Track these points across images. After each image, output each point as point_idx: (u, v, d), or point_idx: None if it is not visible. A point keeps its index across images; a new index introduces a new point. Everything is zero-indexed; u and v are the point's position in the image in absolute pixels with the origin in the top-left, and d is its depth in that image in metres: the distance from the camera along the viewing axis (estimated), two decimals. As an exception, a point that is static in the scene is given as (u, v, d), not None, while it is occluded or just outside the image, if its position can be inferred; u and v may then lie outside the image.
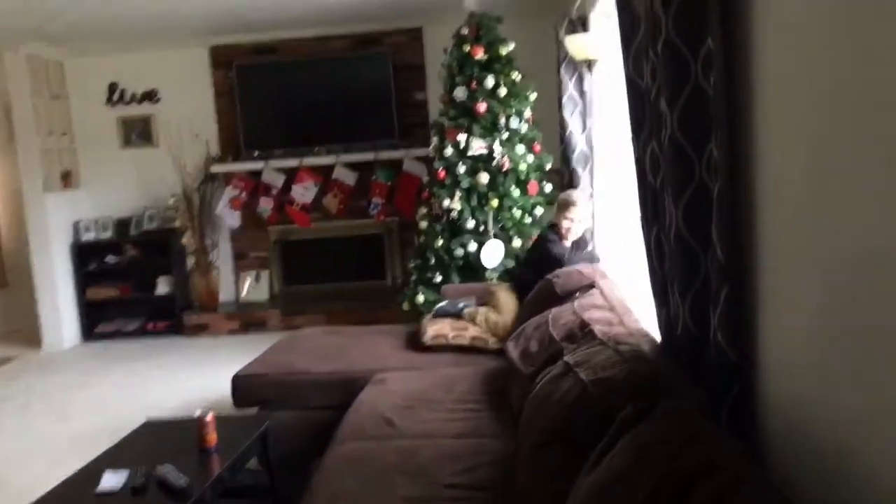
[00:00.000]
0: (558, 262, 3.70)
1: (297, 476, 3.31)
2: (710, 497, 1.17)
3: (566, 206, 3.88)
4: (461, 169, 4.64)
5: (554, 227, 3.92)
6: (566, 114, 4.86)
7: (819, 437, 1.47)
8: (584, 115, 4.80)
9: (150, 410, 4.30)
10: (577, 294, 3.21)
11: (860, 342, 1.29)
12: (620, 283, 3.51)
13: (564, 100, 4.86)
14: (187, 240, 6.53)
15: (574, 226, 3.86)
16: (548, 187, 4.82)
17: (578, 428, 1.86)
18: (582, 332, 2.52)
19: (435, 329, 3.79)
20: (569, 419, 1.91)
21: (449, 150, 4.70)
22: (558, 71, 4.95)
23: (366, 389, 3.21)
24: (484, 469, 2.30)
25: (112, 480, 2.45)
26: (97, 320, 6.59)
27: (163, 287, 6.56)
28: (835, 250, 1.36)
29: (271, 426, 3.05)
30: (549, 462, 1.90)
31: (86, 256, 6.55)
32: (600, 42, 4.14)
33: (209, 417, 2.73)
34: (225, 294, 6.73)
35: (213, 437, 2.73)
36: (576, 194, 3.92)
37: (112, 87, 6.66)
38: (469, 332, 3.76)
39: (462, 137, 4.66)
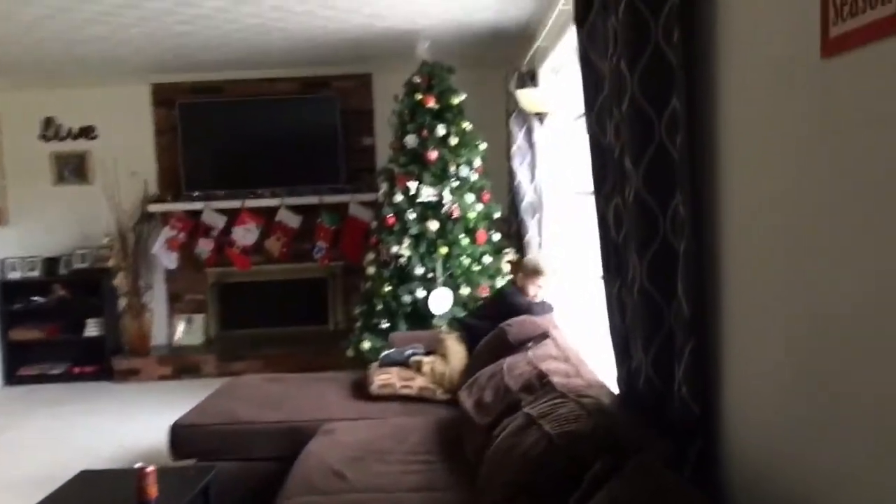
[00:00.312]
0: (525, 312, 3.68)
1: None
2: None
3: (536, 274, 3.86)
4: (411, 215, 4.63)
5: (514, 285, 3.92)
6: (515, 164, 4.94)
7: (784, 491, 1.49)
8: (532, 166, 4.89)
9: (79, 459, 4.07)
10: (531, 344, 3.21)
11: (823, 399, 1.32)
12: (572, 333, 3.54)
13: (514, 150, 4.95)
14: (120, 280, 6.29)
15: (541, 292, 3.86)
16: (496, 236, 4.85)
17: (544, 482, 1.84)
18: (540, 383, 2.51)
19: (382, 378, 3.73)
20: (534, 472, 1.88)
21: (399, 197, 4.70)
22: (507, 122, 5.05)
23: (314, 440, 3.11)
24: (441, 524, 2.25)
25: (44, 538, 2.30)
26: (21, 362, 6.26)
27: (92, 329, 6.29)
28: (797, 310, 1.40)
29: (212, 479, 2.92)
30: (513, 518, 1.87)
31: (11, 296, 6.25)
32: (552, 96, 4.24)
33: (149, 469, 2.60)
34: (158, 338, 6.50)
35: (153, 490, 2.59)
36: (545, 264, 3.91)
37: (47, 122, 6.45)
38: (417, 383, 3.71)
39: (412, 184, 4.67)
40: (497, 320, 3.63)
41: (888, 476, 1.13)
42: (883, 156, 1.09)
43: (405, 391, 3.64)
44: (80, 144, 6.47)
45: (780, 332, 1.48)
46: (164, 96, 6.41)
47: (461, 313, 4.54)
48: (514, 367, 2.89)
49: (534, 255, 4.02)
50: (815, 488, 1.35)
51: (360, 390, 3.77)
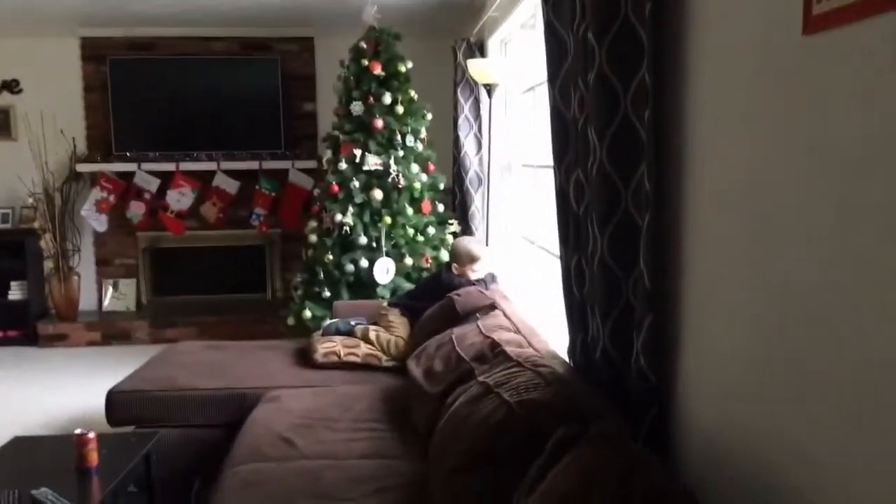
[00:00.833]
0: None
1: (176, 499, 3.13)
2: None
3: (472, 260, 3.83)
4: (355, 184, 4.58)
5: (450, 268, 3.90)
6: (461, 134, 4.93)
7: (737, 458, 1.54)
8: (479, 137, 4.89)
9: (5, 427, 3.91)
10: (478, 314, 3.23)
11: (780, 369, 1.37)
12: (518, 303, 3.57)
13: (460, 121, 4.94)
14: (45, 242, 6.03)
15: (476, 275, 3.84)
16: (441, 207, 4.84)
17: (504, 449, 1.86)
18: (493, 353, 2.53)
19: (326, 346, 3.69)
20: (494, 440, 1.90)
21: (343, 165, 4.63)
22: (454, 92, 5.03)
23: (259, 407, 3.07)
24: (394, 491, 2.26)
25: (-22, 507, 2.21)
26: (-63, 326, 5.97)
27: (16, 292, 6.03)
28: (758, 282, 1.44)
29: (154, 445, 2.86)
30: (471, 484, 1.89)
31: (-74, 257, 5.93)
32: (501, 68, 4.23)
33: (91, 435, 2.52)
34: (86, 303, 6.27)
35: (94, 456, 2.52)
36: (479, 249, 3.88)
37: (-34, 74, 6.10)
38: (361, 350, 3.69)
39: (357, 152, 4.61)
40: (437, 300, 3.62)
41: (845, 444, 1.19)
42: (860, 133, 1.13)
43: (350, 358, 3.61)
44: (4, 98, 6.14)
45: (740, 303, 1.53)
46: (93, 51, 6.14)
47: (404, 283, 4.53)
48: (465, 336, 2.90)
49: (463, 241, 3.96)
50: (770, 457, 1.40)
51: (304, 358, 3.73)
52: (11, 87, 6.14)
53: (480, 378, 2.31)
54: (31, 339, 5.97)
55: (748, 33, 1.47)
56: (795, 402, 1.34)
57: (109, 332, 6.02)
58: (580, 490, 1.36)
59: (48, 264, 6.16)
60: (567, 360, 2.41)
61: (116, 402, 3.28)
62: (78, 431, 2.53)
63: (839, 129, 1.18)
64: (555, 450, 1.60)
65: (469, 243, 3.90)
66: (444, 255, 4.57)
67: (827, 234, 1.23)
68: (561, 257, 2.31)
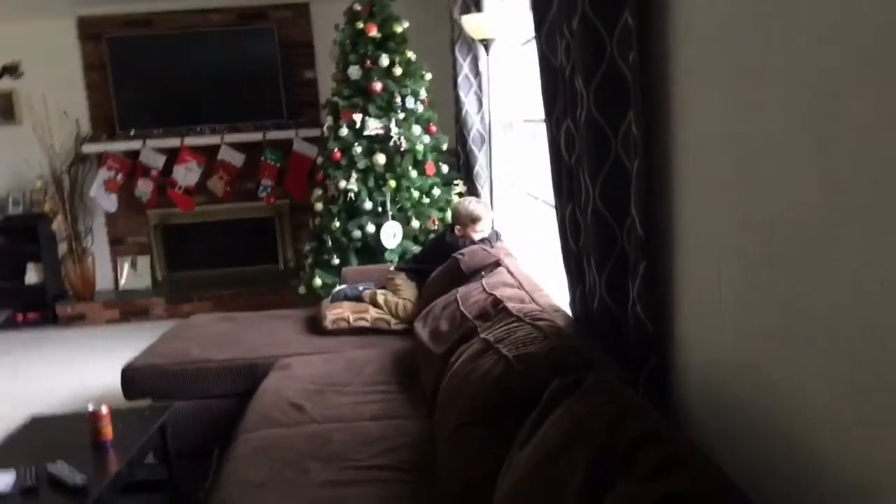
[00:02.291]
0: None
1: (196, 468, 3.19)
2: (655, 465, 1.20)
3: (474, 221, 3.81)
4: (357, 149, 4.55)
5: (453, 230, 3.88)
6: (461, 93, 4.87)
7: (736, 401, 1.54)
8: (479, 95, 4.83)
9: (28, 407, 3.97)
10: (483, 273, 3.23)
11: (774, 309, 1.36)
12: (524, 260, 3.56)
13: (460, 80, 4.87)
14: (57, 225, 6.08)
15: (479, 235, 3.82)
16: (445, 168, 4.81)
17: (504, 404, 1.87)
18: (495, 310, 2.53)
19: (335, 313, 3.72)
20: (494, 396, 1.91)
21: (344, 131, 4.60)
22: (453, 50, 4.96)
23: (270, 375, 3.11)
24: (403, 450, 2.28)
25: (-2, 483, 2.26)
26: (-42, 312, 6.07)
27: (32, 275, 6.10)
28: (749, 222, 1.42)
29: (168, 417, 2.90)
30: (473, 440, 1.90)
31: (-58, 245, 6.00)
32: (498, 21, 4.16)
33: (104, 410, 2.57)
34: (102, 282, 6.34)
35: (108, 431, 2.57)
36: (480, 209, 3.85)
37: (-33, 60, 6.10)
38: (370, 314, 3.71)
39: (357, 117, 4.58)
40: (442, 262, 3.62)
41: (838, 383, 1.18)
42: (842, 63, 1.10)
43: (360, 323, 3.64)
44: (5, 83, 6.13)
45: (731, 245, 1.51)
46: (91, 30, 6.09)
47: (412, 247, 4.53)
48: (469, 295, 2.90)
49: (463, 202, 3.92)
50: (767, 397, 1.40)
51: (314, 326, 3.77)
52: (13, 71, 6.14)
53: (482, 335, 2.31)
54: (50, 320, 6.06)
55: (726, -34, 1.42)
56: (783, 342, 1.33)
57: (127, 309, 6.10)
58: (570, 438, 1.37)
59: (62, 246, 6.22)
60: (569, 313, 2.40)
61: (132, 378, 3.34)
62: (91, 407, 2.57)
63: (815, 59, 1.15)
64: (549, 401, 1.60)
65: (469, 204, 3.88)
66: (450, 217, 4.55)
67: (808, 170, 1.20)
68: (556, 209, 2.30)
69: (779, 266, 1.32)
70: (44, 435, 2.67)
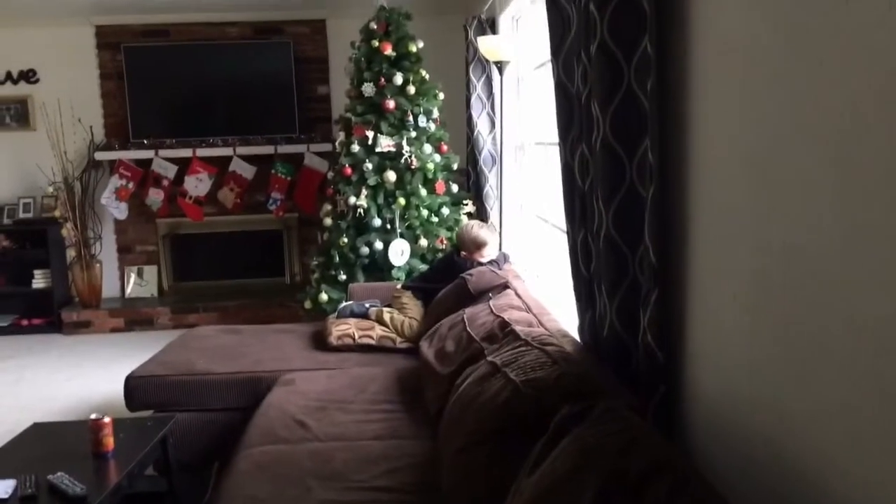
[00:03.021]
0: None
1: (196, 481, 3.17)
2: (664, 495, 1.18)
3: (479, 246, 3.79)
4: (368, 166, 4.56)
5: (460, 253, 3.86)
6: (474, 114, 4.89)
7: (748, 432, 1.52)
8: (491, 116, 4.85)
9: (30, 413, 3.98)
10: (490, 294, 3.21)
11: (788, 338, 1.34)
12: (532, 283, 3.55)
13: (472, 100, 4.89)
14: (67, 231, 6.10)
15: (485, 259, 3.80)
16: (455, 187, 4.82)
17: (511, 429, 1.85)
18: (503, 332, 2.51)
19: (340, 329, 3.70)
20: (500, 420, 1.89)
21: (356, 147, 4.61)
22: (466, 71, 4.98)
23: (274, 390, 3.09)
24: (405, 471, 2.26)
25: (-3, 491, 2.24)
26: (-36, 315, 6.08)
27: (40, 281, 6.11)
28: (764, 251, 1.41)
29: (170, 429, 2.88)
30: (479, 464, 1.88)
31: (-49, 246, 6.02)
32: (513, 44, 4.18)
33: (106, 420, 2.55)
34: (109, 290, 6.34)
35: (109, 441, 2.55)
36: (485, 234, 3.83)
37: (-15, 65, 6.15)
38: (376, 332, 3.70)
39: (370, 134, 4.59)
40: (450, 282, 3.61)
41: (856, 414, 1.16)
42: (859, 87, 1.09)
43: (365, 340, 3.62)
44: (21, 88, 6.19)
45: (747, 275, 1.49)
46: (108, 39, 6.15)
47: (419, 265, 4.52)
48: (476, 316, 2.89)
49: (466, 228, 3.90)
50: (781, 429, 1.38)
51: (319, 341, 3.75)
52: (28, 76, 6.19)
53: (489, 358, 2.30)
54: (55, 326, 6.06)
55: (748, -2, 1.42)
56: (798, 372, 1.31)
57: (132, 318, 6.09)
58: (579, 467, 1.35)
59: (70, 252, 6.23)
60: (578, 338, 2.39)
61: (134, 388, 3.32)
62: (93, 417, 2.56)
63: (835, 90, 1.14)
64: (558, 428, 1.58)
65: (472, 229, 3.86)
66: (456, 241, 4.54)
67: (827, 200, 1.19)
68: (568, 234, 2.29)
69: (796, 296, 1.31)
70: (45, 442, 2.66)
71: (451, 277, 3.61)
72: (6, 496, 2.22)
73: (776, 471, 1.39)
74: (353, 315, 3.91)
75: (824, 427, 1.24)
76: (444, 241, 4.61)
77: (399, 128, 4.64)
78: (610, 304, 1.98)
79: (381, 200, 4.60)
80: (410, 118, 4.63)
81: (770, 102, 1.36)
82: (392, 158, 4.60)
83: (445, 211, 4.69)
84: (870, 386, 1.11)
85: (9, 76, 6.17)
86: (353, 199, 4.57)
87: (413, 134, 4.63)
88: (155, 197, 6.11)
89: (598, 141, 1.93)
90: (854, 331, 1.14)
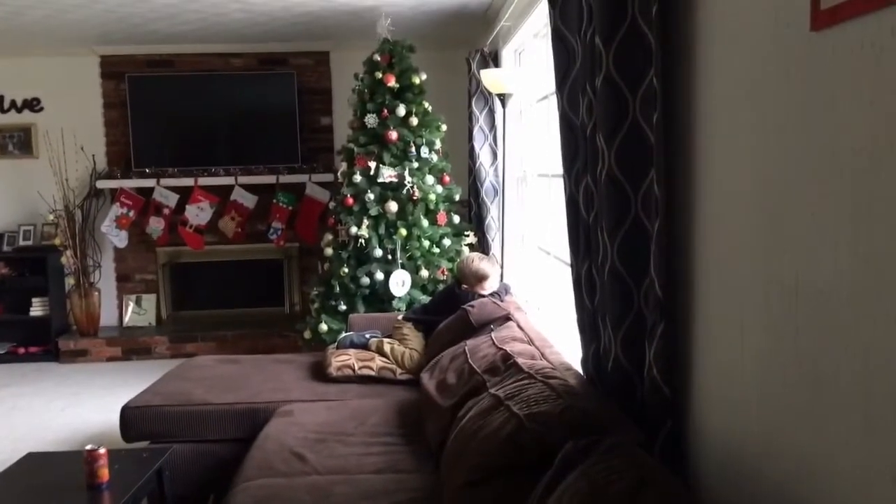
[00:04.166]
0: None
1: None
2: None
3: (480, 280, 3.79)
4: (370, 196, 4.57)
5: (461, 285, 3.85)
6: (476, 145, 4.91)
7: (755, 472, 1.49)
8: (494, 148, 4.86)
9: (25, 442, 3.93)
10: (492, 326, 3.19)
11: (798, 378, 1.32)
12: (534, 316, 3.53)
13: (475, 132, 4.91)
14: (66, 259, 6.08)
15: (487, 291, 3.79)
16: (456, 218, 4.81)
17: (515, 463, 1.82)
18: (505, 365, 2.49)
19: (340, 360, 3.67)
20: (504, 454, 1.86)
21: (358, 177, 4.62)
22: (469, 103, 5.01)
23: (272, 422, 3.05)
24: (406, 506, 2.21)
25: (-12, 524, 2.20)
26: (-39, 342, 6.03)
27: (38, 308, 6.07)
28: (776, 287, 1.39)
29: (167, 460, 2.84)
30: (482, 499, 1.84)
31: (-50, 273, 5.99)
32: (516, 77, 4.21)
33: (101, 451, 2.51)
34: (107, 318, 6.31)
35: (104, 472, 2.50)
36: (486, 267, 3.83)
37: (-11, 93, 6.19)
38: (376, 363, 3.66)
39: (372, 164, 4.60)
40: (451, 314, 3.59)
41: (870, 455, 1.13)
42: (870, 130, 1.09)
43: (365, 372, 3.59)
44: (25, 117, 6.22)
45: (753, 311, 1.48)
46: (112, 69, 6.20)
47: (420, 296, 4.50)
48: (478, 348, 2.86)
49: (467, 262, 3.89)
50: (792, 469, 1.35)
51: (318, 372, 3.71)
52: (32, 105, 6.22)
53: (492, 391, 2.27)
54: (52, 354, 6.01)
55: (756, 33, 1.42)
56: (810, 412, 1.28)
57: (130, 347, 6.05)
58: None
59: (69, 280, 6.21)
60: (581, 372, 2.36)
61: (130, 418, 3.28)
62: (89, 447, 2.52)
63: (850, 128, 1.14)
64: (563, 464, 1.55)
65: (473, 262, 3.84)
66: (457, 274, 4.53)
67: (839, 238, 1.18)
68: (572, 266, 2.27)
69: (805, 332, 1.29)
70: (39, 473, 2.61)
71: (451, 310, 3.59)
72: (-2, 528, 2.18)
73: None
74: (353, 345, 3.88)
75: (837, 468, 1.22)
76: (446, 272, 4.60)
77: (401, 158, 4.66)
78: (615, 338, 1.96)
79: (382, 231, 4.60)
80: (413, 149, 4.65)
81: (779, 136, 1.36)
82: (394, 189, 4.61)
83: (447, 242, 4.69)
84: (885, 426, 1.09)
85: (13, 104, 6.21)
86: (354, 230, 4.57)
87: (415, 165, 4.64)
88: (155, 225, 6.10)
89: (602, 173, 1.92)
90: (869, 370, 1.12)
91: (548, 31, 3.88)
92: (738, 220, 1.53)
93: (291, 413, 3.11)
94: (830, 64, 1.17)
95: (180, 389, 3.47)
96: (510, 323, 3.13)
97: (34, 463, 2.72)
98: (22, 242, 6.17)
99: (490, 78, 4.24)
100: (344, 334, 4.06)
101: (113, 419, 3.41)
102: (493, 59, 4.89)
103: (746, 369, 1.52)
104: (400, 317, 4.02)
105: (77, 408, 4.78)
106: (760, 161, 1.43)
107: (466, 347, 2.95)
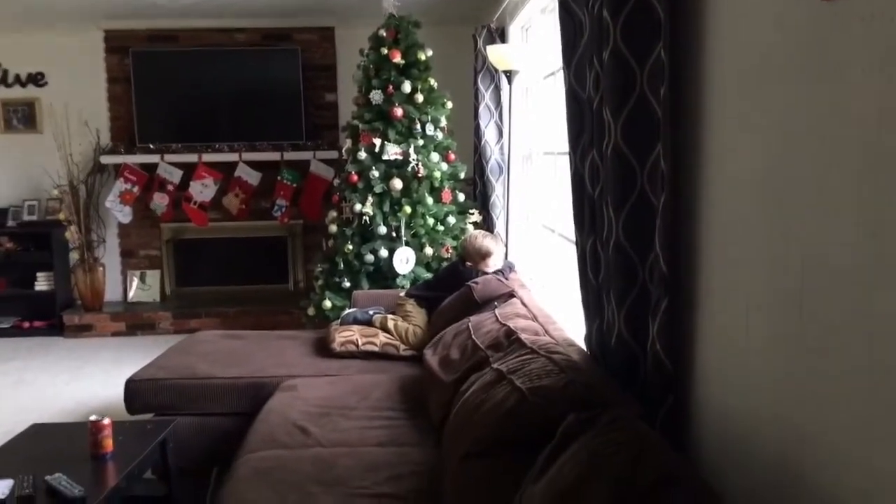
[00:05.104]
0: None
1: (194, 486, 3.13)
2: (676, 507, 1.15)
3: (484, 256, 3.78)
4: (375, 173, 4.55)
5: (465, 262, 3.84)
6: (482, 123, 4.88)
7: (756, 447, 1.49)
8: (499, 126, 4.84)
9: (29, 415, 3.95)
10: (496, 303, 3.19)
11: (802, 353, 1.32)
12: (538, 292, 3.52)
13: (480, 109, 4.89)
14: (71, 234, 6.09)
15: (490, 269, 3.78)
16: (461, 196, 4.80)
17: (516, 436, 1.82)
18: (508, 341, 2.49)
19: (344, 335, 3.67)
20: (506, 427, 1.86)
21: (363, 154, 4.60)
22: (475, 80, 4.97)
23: (275, 396, 3.06)
24: (408, 479, 2.22)
25: (-6, 491, 2.21)
26: (-35, 316, 6.06)
27: (42, 283, 6.09)
28: (782, 263, 1.38)
29: (170, 432, 2.85)
30: (483, 471, 1.85)
31: (-45, 247, 6.01)
32: (522, 54, 4.17)
33: (105, 422, 2.53)
34: (111, 294, 6.33)
35: (108, 443, 2.52)
36: (490, 244, 3.81)
37: (-7, 67, 6.17)
38: (379, 339, 3.67)
39: (377, 141, 4.58)
40: (453, 291, 3.58)
41: (873, 434, 1.13)
42: (878, 102, 1.07)
43: (368, 347, 3.59)
44: (29, 91, 6.20)
45: (759, 286, 1.47)
46: (116, 43, 6.17)
47: (424, 273, 4.50)
48: (481, 325, 2.86)
49: (471, 239, 3.87)
50: (794, 447, 1.35)
51: (322, 348, 3.72)
52: (36, 79, 6.20)
53: (494, 365, 2.27)
54: (57, 329, 6.04)
55: (766, 4, 1.40)
56: (812, 387, 1.28)
57: (134, 322, 6.07)
58: (587, 474, 1.32)
59: (74, 255, 6.22)
60: (584, 348, 2.36)
61: (135, 391, 3.29)
62: (93, 418, 2.53)
63: (858, 100, 1.12)
64: (565, 436, 1.55)
65: (477, 239, 3.83)
66: (461, 251, 4.52)
67: (845, 213, 1.17)
68: (576, 242, 2.26)
69: (810, 307, 1.29)
70: (44, 443, 2.63)
71: (455, 286, 3.59)
72: (3, 497, 2.19)
73: (790, 491, 1.36)
74: (357, 322, 3.88)
75: (838, 443, 1.22)
76: (450, 250, 4.59)
77: (406, 136, 4.63)
78: (618, 313, 1.95)
79: (386, 208, 4.58)
80: (418, 126, 4.62)
81: (788, 110, 1.34)
82: (399, 166, 4.59)
83: (451, 220, 4.67)
84: (891, 402, 1.09)
85: (17, 79, 6.19)
86: (358, 207, 4.56)
87: (420, 142, 4.62)
88: (159, 202, 6.10)
89: (609, 148, 1.91)
90: (875, 347, 1.11)
91: (555, 5, 3.85)
92: (745, 195, 1.52)
93: (295, 387, 3.12)
94: (841, 34, 1.15)
95: (184, 363, 3.48)
96: (514, 300, 3.13)
97: (39, 433, 2.73)
98: (27, 217, 6.18)
99: (496, 54, 4.21)
100: (347, 311, 4.06)
101: (117, 393, 3.43)
102: (500, 36, 4.85)
103: (750, 345, 1.52)
104: (402, 293, 4.02)
105: (82, 381, 4.80)
106: (768, 134, 1.42)
107: (470, 324, 2.95)
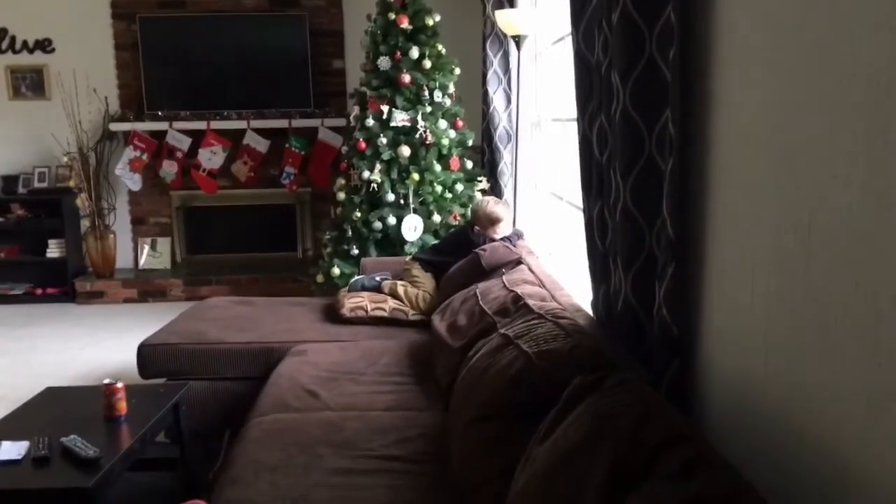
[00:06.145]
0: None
1: (206, 448, 3.19)
2: (680, 466, 1.17)
3: (493, 222, 3.78)
4: (383, 140, 4.54)
5: (474, 227, 3.85)
6: (490, 90, 4.85)
7: (763, 409, 1.50)
8: (508, 92, 4.81)
9: (43, 380, 4.00)
10: (504, 269, 3.20)
11: (808, 317, 1.32)
12: (544, 260, 3.53)
13: (489, 76, 4.85)
14: (81, 201, 6.12)
15: (499, 235, 3.78)
16: (469, 164, 4.79)
17: (523, 400, 1.85)
18: (515, 307, 2.50)
19: (354, 302, 3.70)
20: (512, 391, 1.88)
21: (370, 121, 4.59)
22: (483, 46, 4.93)
23: (285, 361, 3.10)
24: (416, 442, 2.26)
25: (10, 452, 2.26)
26: (-22, 283, 6.13)
27: (54, 250, 6.14)
28: (788, 228, 1.38)
29: (183, 395, 2.90)
30: (490, 434, 1.87)
31: (-34, 214, 6.05)
32: (531, 18, 4.13)
33: (119, 385, 2.57)
34: (122, 261, 6.38)
35: (122, 405, 2.57)
36: (500, 210, 3.81)
37: (0, 33, 6.14)
38: (388, 304, 3.70)
39: (384, 108, 4.56)
40: (461, 257, 3.60)
41: (877, 396, 1.14)
42: (886, 62, 1.06)
43: (377, 313, 3.62)
44: (37, 58, 6.19)
45: (766, 249, 1.47)
46: (123, 9, 6.14)
47: (432, 240, 4.51)
48: (489, 291, 2.88)
49: (482, 204, 3.87)
50: (799, 409, 1.36)
51: (331, 314, 3.75)
52: (44, 46, 6.19)
53: (501, 330, 2.29)
54: (69, 295, 6.10)
55: (777, -37, 1.39)
56: (817, 350, 1.29)
57: (145, 289, 6.13)
58: (592, 435, 1.34)
59: (84, 223, 6.26)
60: (591, 313, 2.37)
61: (147, 355, 3.34)
62: (107, 381, 2.57)
63: (866, 60, 1.11)
64: (571, 398, 1.57)
65: (488, 205, 3.84)
66: (470, 216, 4.52)
67: (853, 175, 1.17)
68: (584, 208, 2.26)
69: (817, 271, 1.29)
70: (58, 406, 2.67)
71: (463, 252, 3.60)
72: (19, 457, 2.24)
73: (793, 449, 1.38)
74: (365, 289, 3.91)
75: (843, 405, 1.23)
76: (458, 218, 4.59)
77: (414, 102, 4.61)
78: (625, 278, 1.96)
79: (394, 175, 4.58)
80: (426, 93, 4.60)
81: (797, 72, 1.33)
82: (406, 133, 4.58)
83: (459, 187, 4.67)
84: (892, 364, 1.09)
85: (25, 45, 6.17)
86: (366, 174, 4.56)
87: (428, 109, 4.60)
88: (168, 169, 6.12)
89: (617, 112, 1.90)
90: (877, 309, 1.12)
91: (565, -30, 3.80)
92: (752, 158, 1.51)
93: (304, 353, 3.15)
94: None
95: (196, 329, 3.52)
96: (521, 267, 3.14)
97: (53, 396, 2.78)
98: (37, 184, 6.21)
99: (505, 19, 4.16)
100: (356, 278, 4.08)
101: (130, 358, 3.47)
102: (509, 0, 4.79)
103: (756, 308, 1.52)
104: (408, 258, 4.04)
105: (95, 347, 4.87)
106: (776, 97, 1.41)
107: (478, 290, 2.97)
